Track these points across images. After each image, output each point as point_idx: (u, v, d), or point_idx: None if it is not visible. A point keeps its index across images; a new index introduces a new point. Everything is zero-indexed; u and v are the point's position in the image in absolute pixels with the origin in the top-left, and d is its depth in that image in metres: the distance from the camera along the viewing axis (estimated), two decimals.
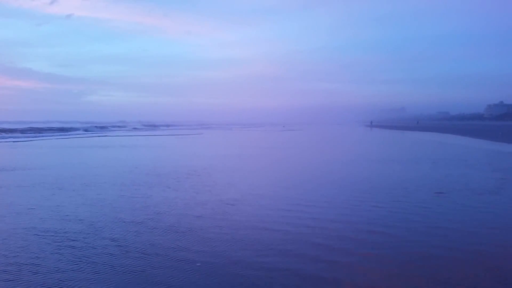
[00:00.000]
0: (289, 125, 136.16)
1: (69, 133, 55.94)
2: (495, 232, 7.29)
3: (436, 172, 15.09)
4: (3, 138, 39.69)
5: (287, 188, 11.79)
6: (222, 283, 5.03)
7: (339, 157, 21.67)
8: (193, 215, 8.43)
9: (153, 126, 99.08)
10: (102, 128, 74.81)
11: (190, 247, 6.39)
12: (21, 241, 6.64)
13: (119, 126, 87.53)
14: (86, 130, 64.05)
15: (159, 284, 4.98)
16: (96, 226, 7.50)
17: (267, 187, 12.00)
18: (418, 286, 4.97)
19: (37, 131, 54.24)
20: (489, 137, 40.07)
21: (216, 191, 11.11)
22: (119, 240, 6.71)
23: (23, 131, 51.80)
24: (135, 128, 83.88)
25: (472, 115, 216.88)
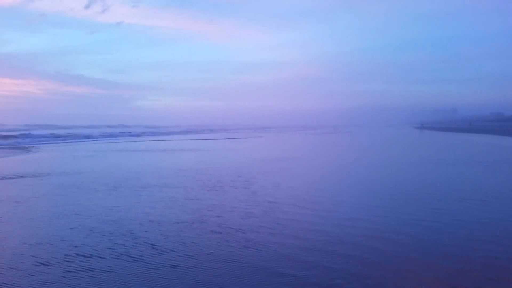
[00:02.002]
0: (337, 127, 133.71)
1: (139, 137, 58.37)
2: None
3: (488, 176, 14.16)
4: (84, 140, 42.20)
5: (322, 191, 11.55)
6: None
7: (389, 161, 20.94)
8: (236, 216, 8.45)
9: (210, 130, 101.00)
10: (164, 132, 77.19)
11: (224, 251, 6.41)
12: (79, 239, 6.96)
13: (188, 131, 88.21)
14: (138, 134, 66.55)
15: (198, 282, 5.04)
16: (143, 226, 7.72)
17: (304, 192, 11.79)
18: None
19: (106, 135, 57.23)
20: None
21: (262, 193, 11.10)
22: (158, 240, 6.85)
23: (86, 136, 54.73)
24: (191, 132, 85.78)
25: None
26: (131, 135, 61.56)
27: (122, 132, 65.22)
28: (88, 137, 52.88)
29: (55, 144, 38.45)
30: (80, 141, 43.55)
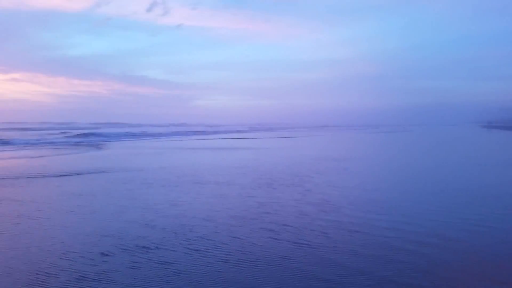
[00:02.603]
0: (399, 126, 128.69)
1: (207, 135, 60.14)
2: None
3: None
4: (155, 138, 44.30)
5: (379, 192, 11.16)
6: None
7: (451, 161, 19.84)
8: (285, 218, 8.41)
9: (269, 128, 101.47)
10: (223, 131, 78.70)
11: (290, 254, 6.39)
12: (139, 231, 7.29)
13: (246, 129, 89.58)
14: (208, 132, 68.35)
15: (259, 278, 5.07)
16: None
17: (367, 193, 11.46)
18: None
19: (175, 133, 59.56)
20: None
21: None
22: (213, 234, 6.98)
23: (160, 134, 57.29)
24: (250, 130, 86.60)
25: None
26: (198, 133, 63.25)
27: (197, 131, 67.55)
28: (159, 135, 55.28)
29: (123, 141, 40.60)
30: (147, 139, 45.60)
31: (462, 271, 5.34)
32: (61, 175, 14.46)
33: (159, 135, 55.74)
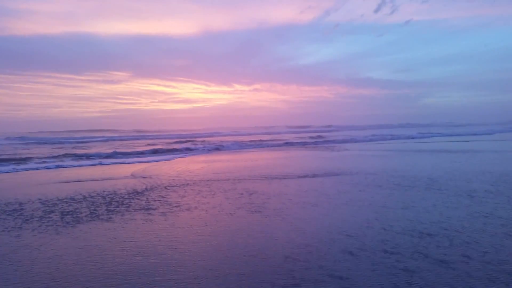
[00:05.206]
0: None
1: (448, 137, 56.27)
2: None
3: None
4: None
5: None
6: None
7: None
8: None
9: None
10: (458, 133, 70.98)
11: None
12: (379, 235, 7.26)
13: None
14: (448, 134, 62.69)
15: None
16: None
17: None
18: None
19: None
20: None
21: None
22: (455, 245, 6.26)
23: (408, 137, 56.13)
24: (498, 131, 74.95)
25: None
26: (440, 135, 58.75)
27: (440, 133, 63.25)
28: (394, 137, 54.30)
29: (353, 143, 41.63)
30: (377, 141, 45.50)
31: None
32: (300, 177, 15.90)
33: (394, 137, 54.25)
